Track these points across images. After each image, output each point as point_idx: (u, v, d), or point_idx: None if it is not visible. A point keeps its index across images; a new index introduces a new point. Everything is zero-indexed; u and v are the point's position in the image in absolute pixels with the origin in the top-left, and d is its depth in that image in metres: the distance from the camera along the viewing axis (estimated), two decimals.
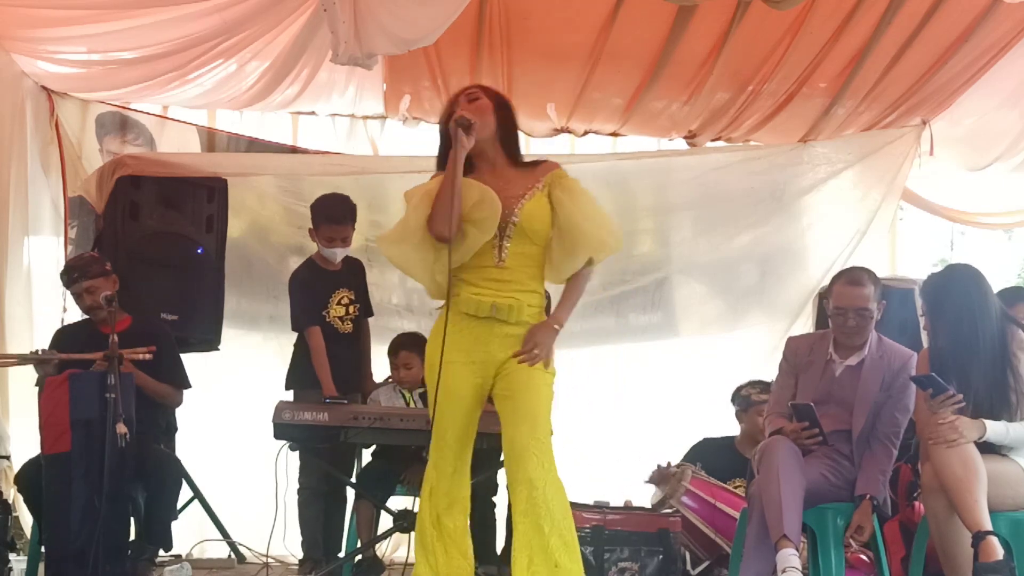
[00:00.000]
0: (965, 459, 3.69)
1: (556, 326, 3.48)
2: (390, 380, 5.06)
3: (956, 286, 4.03)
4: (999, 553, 3.54)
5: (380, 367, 5.17)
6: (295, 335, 5.10)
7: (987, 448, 3.79)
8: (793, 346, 4.39)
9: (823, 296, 4.45)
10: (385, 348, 5.04)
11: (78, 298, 4.68)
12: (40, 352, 4.52)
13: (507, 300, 3.42)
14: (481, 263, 3.43)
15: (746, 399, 5.14)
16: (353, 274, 5.05)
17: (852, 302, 4.16)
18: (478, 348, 3.43)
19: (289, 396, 4.90)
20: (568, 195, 3.47)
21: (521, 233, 3.42)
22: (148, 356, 4.36)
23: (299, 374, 4.92)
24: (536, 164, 3.58)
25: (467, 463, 3.48)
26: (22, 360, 4.62)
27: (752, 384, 5.15)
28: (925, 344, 5.16)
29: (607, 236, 3.50)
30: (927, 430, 3.82)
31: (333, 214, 4.87)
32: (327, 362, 4.78)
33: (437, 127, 3.61)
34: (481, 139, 3.44)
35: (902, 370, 4.15)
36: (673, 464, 4.88)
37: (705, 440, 5.22)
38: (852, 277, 4.25)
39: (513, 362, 3.41)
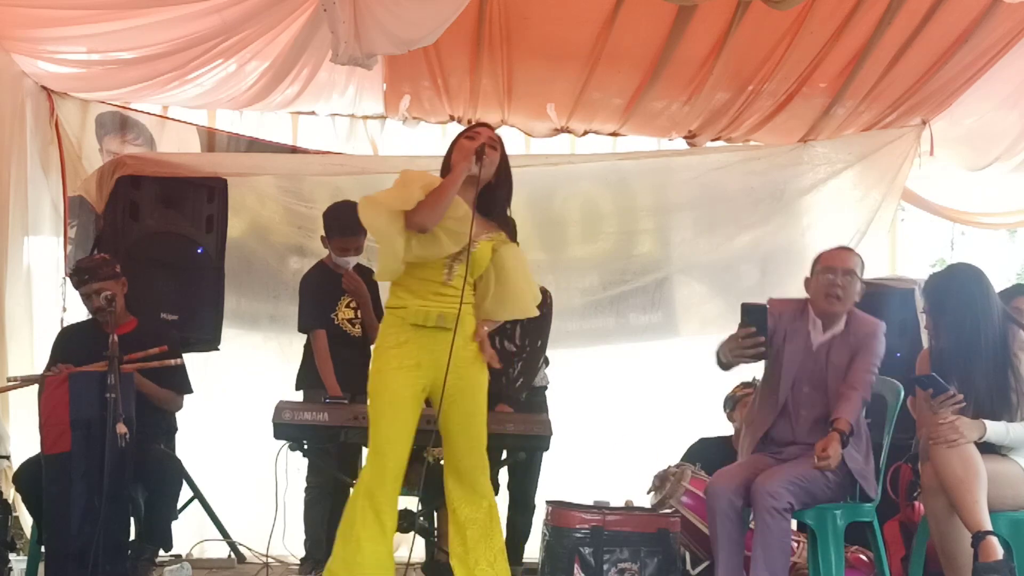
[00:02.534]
0: (965, 459, 3.70)
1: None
2: None
3: (959, 285, 4.03)
4: (999, 553, 3.55)
5: None
6: (295, 335, 5.10)
7: (987, 448, 3.79)
8: (778, 307, 4.30)
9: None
10: None
11: (87, 299, 4.68)
12: (48, 371, 4.50)
13: (452, 310, 3.66)
14: (429, 277, 3.68)
15: (732, 397, 5.20)
16: (363, 281, 5.03)
17: (842, 263, 4.18)
18: (424, 355, 3.66)
19: (299, 396, 4.91)
20: (510, 255, 3.79)
21: (473, 262, 3.68)
22: (169, 363, 4.51)
23: (309, 375, 4.93)
24: (491, 221, 3.79)
25: (404, 467, 3.68)
26: (29, 382, 4.61)
27: (739, 385, 5.19)
28: (925, 344, 5.18)
29: (532, 301, 3.86)
30: (928, 430, 3.83)
31: (346, 225, 4.85)
32: (331, 364, 4.80)
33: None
34: (475, 177, 3.67)
35: (867, 336, 4.13)
36: (672, 465, 4.89)
37: (702, 440, 5.23)
38: (840, 246, 4.35)
39: (459, 385, 3.68)
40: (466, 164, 3.64)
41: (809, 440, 4.09)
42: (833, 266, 4.17)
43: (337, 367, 4.80)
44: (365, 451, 4.89)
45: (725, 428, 5.26)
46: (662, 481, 4.77)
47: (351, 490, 4.78)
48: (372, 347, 5.06)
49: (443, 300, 3.67)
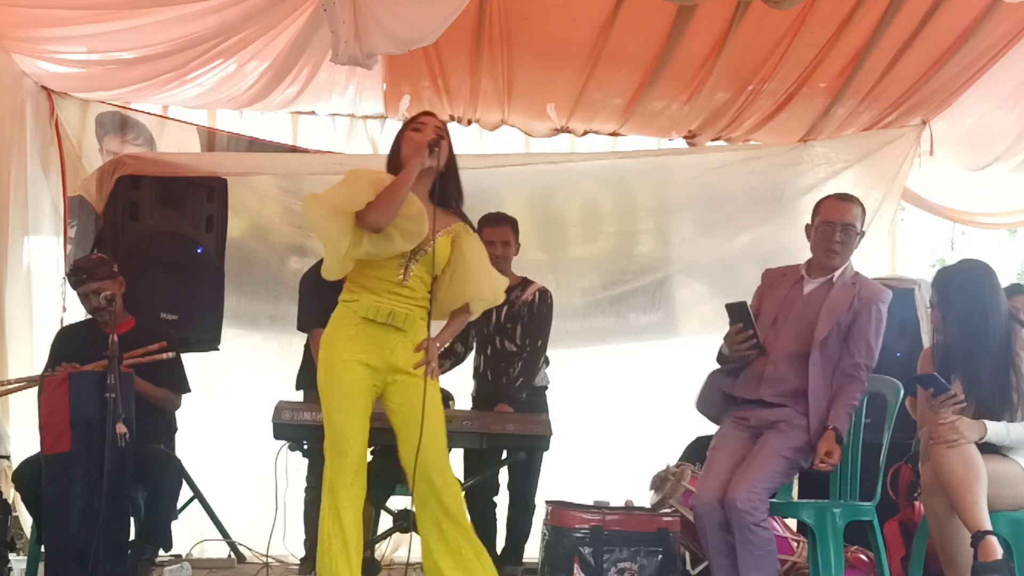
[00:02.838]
0: (966, 459, 3.69)
1: (439, 344, 3.82)
2: None
3: (969, 279, 4.04)
4: (998, 553, 3.55)
5: None
6: (295, 335, 5.10)
7: (987, 448, 3.79)
8: (768, 275, 4.35)
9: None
10: None
11: (84, 299, 4.68)
12: (47, 372, 4.51)
13: (404, 310, 3.66)
14: (385, 276, 3.66)
15: None
16: None
17: (842, 216, 4.15)
18: (373, 352, 3.65)
19: (299, 396, 4.91)
20: (468, 245, 3.77)
21: (428, 261, 3.68)
22: (163, 356, 4.51)
23: (309, 375, 4.92)
24: (448, 211, 3.77)
25: (364, 461, 3.67)
26: (28, 383, 4.61)
27: None
28: (926, 343, 5.18)
29: (488, 289, 3.82)
30: (928, 430, 3.83)
31: None
32: None
33: None
34: (428, 168, 3.66)
35: (873, 298, 4.10)
36: (672, 465, 4.89)
37: (699, 439, 5.23)
38: (841, 195, 4.28)
39: (407, 377, 3.66)
40: (418, 159, 3.61)
41: (776, 399, 4.05)
42: (832, 220, 4.14)
43: None
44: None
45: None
46: (662, 481, 4.78)
47: None
48: None
49: (397, 299, 3.65)
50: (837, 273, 4.16)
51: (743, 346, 4.09)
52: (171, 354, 4.59)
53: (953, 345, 4.00)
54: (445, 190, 3.74)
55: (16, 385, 4.71)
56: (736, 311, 4.10)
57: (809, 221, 4.29)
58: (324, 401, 3.65)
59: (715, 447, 4.21)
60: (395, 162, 3.74)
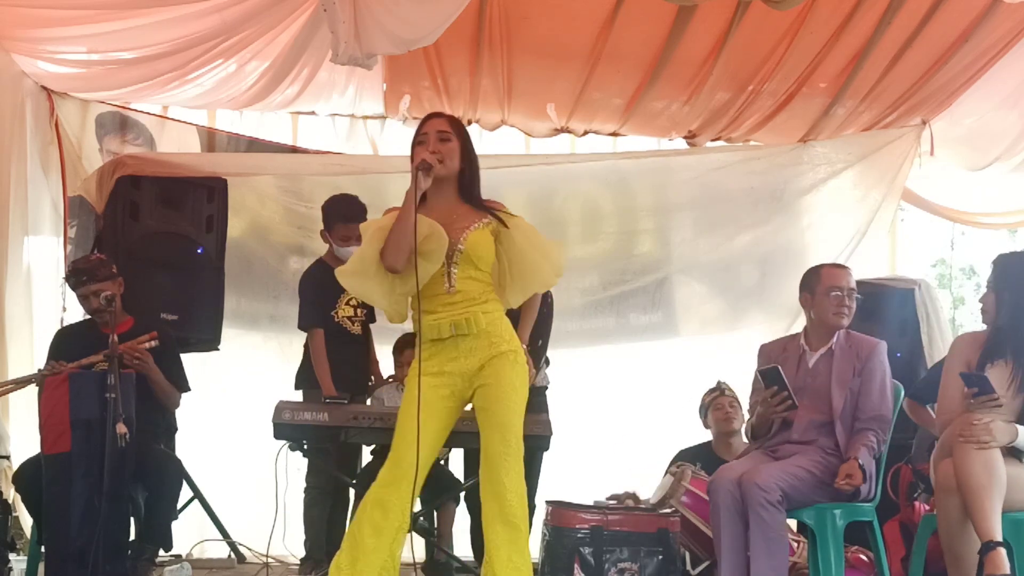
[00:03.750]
0: (989, 464, 3.69)
1: (524, 345, 3.88)
2: (391, 380, 5.07)
3: None
4: (1006, 567, 3.54)
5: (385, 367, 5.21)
6: (295, 335, 5.10)
7: (1009, 452, 3.79)
8: (766, 351, 4.49)
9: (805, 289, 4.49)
10: (389, 348, 5.06)
11: (84, 300, 4.67)
12: (44, 368, 4.51)
13: (462, 316, 3.65)
14: (435, 291, 3.66)
15: (704, 405, 5.32)
16: None
17: (848, 282, 4.35)
18: (448, 363, 3.65)
19: (298, 396, 4.91)
20: (515, 229, 3.73)
21: (467, 260, 3.66)
22: (152, 343, 4.48)
23: (308, 374, 4.93)
24: (484, 202, 3.78)
25: (419, 469, 3.59)
26: (27, 382, 4.61)
27: (707, 392, 5.32)
28: (926, 343, 5.20)
29: (551, 272, 3.80)
30: (958, 427, 3.81)
31: (348, 213, 4.87)
32: (327, 364, 4.79)
33: None
34: (442, 176, 3.66)
35: (871, 355, 4.25)
36: (672, 465, 4.89)
37: (682, 452, 5.23)
38: (835, 264, 4.53)
39: (488, 375, 3.63)
40: (413, 189, 3.58)
41: (804, 439, 4.18)
42: (840, 285, 4.32)
43: (337, 365, 4.80)
44: (366, 451, 4.95)
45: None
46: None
47: (351, 490, 4.82)
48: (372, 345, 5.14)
49: (453, 309, 3.64)
50: (835, 339, 4.31)
51: (780, 408, 4.20)
52: (156, 343, 4.53)
53: (1004, 327, 4.01)
54: (464, 185, 3.74)
55: (12, 385, 4.71)
56: (770, 376, 4.21)
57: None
58: (399, 410, 3.68)
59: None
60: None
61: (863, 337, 4.35)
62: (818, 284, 4.35)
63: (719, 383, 5.31)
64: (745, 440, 4.98)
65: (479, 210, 3.73)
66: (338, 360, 4.81)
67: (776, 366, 4.21)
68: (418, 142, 3.72)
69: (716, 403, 5.24)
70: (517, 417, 3.63)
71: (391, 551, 3.57)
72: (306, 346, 4.99)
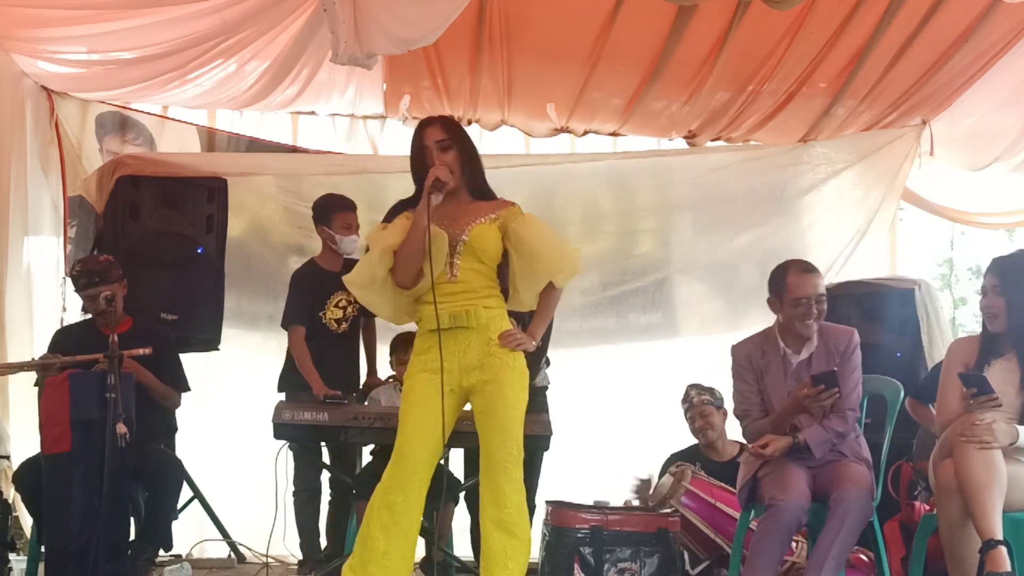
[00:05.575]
0: (990, 464, 3.68)
1: (536, 340, 3.75)
2: (391, 379, 5.06)
3: None
4: (1007, 565, 3.53)
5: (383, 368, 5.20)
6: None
7: (1008, 452, 3.79)
8: (744, 351, 4.34)
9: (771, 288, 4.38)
10: (387, 348, 5.05)
11: (91, 301, 4.63)
12: (40, 357, 4.51)
13: (462, 308, 3.63)
14: (437, 281, 3.63)
15: (688, 400, 5.19)
16: None
17: (815, 290, 4.18)
18: (445, 356, 3.61)
19: (282, 398, 4.89)
20: (523, 226, 3.73)
21: (470, 251, 3.65)
22: (146, 351, 4.39)
23: (289, 376, 4.91)
24: (494, 199, 3.79)
25: (425, 469, 3.61)
26: (24, 367, 4.62)
27: (695, 389, 5.18)
28: (926, 343, 5.19)
29: (561, 260, 3.73)
30: (960, 427, 3.81)
31: (344, 202, 4.92)
32: (311, 362, 4.76)
33: None
34: (451, 186, 3.67)
35: (847, 347, 4.18)
36: (672, 465, 4.89)
37: (672, 456, 5.21)
38: (803, 266, 4.27)
39: (486, 375, 3.61)
40: (426, 205, 3.56)
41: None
42: (806, 296, 4.17)
43: (319, 366, 4.76)
44: (366, 451, 4.95)
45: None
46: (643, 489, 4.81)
47: (352, 491, 4.82)
48: (356, 344, 5.12)
49: (454, 300, 3.63)
50: (815, 341, 4.22)
51: (828, 402, 4.10)
52: (148, 350, 4.45)
53: (1014, 328, 3.99)
54: (474, 185, 3.75)
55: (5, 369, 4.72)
56: (826, 379, 4.07)
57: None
58: (400, 409, 3.68)
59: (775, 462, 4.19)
60: (417, 176, 3.73)
61: (836, 329, 4.26)
62: (784, 292, 4.21)
63: (687, 392, 5.17)
64: (730, 438, 4.98)
65: (487, 205, 3.73)
66: (319, 361, 4.78)
67: (833, 371, 4.09)
68: (419, 155, 3.72)
69: (689, 416, 5.15)
70: (517, 424, 3.63)
71: (403, 554, 3.55)
72: (287, 349, 4.97)
